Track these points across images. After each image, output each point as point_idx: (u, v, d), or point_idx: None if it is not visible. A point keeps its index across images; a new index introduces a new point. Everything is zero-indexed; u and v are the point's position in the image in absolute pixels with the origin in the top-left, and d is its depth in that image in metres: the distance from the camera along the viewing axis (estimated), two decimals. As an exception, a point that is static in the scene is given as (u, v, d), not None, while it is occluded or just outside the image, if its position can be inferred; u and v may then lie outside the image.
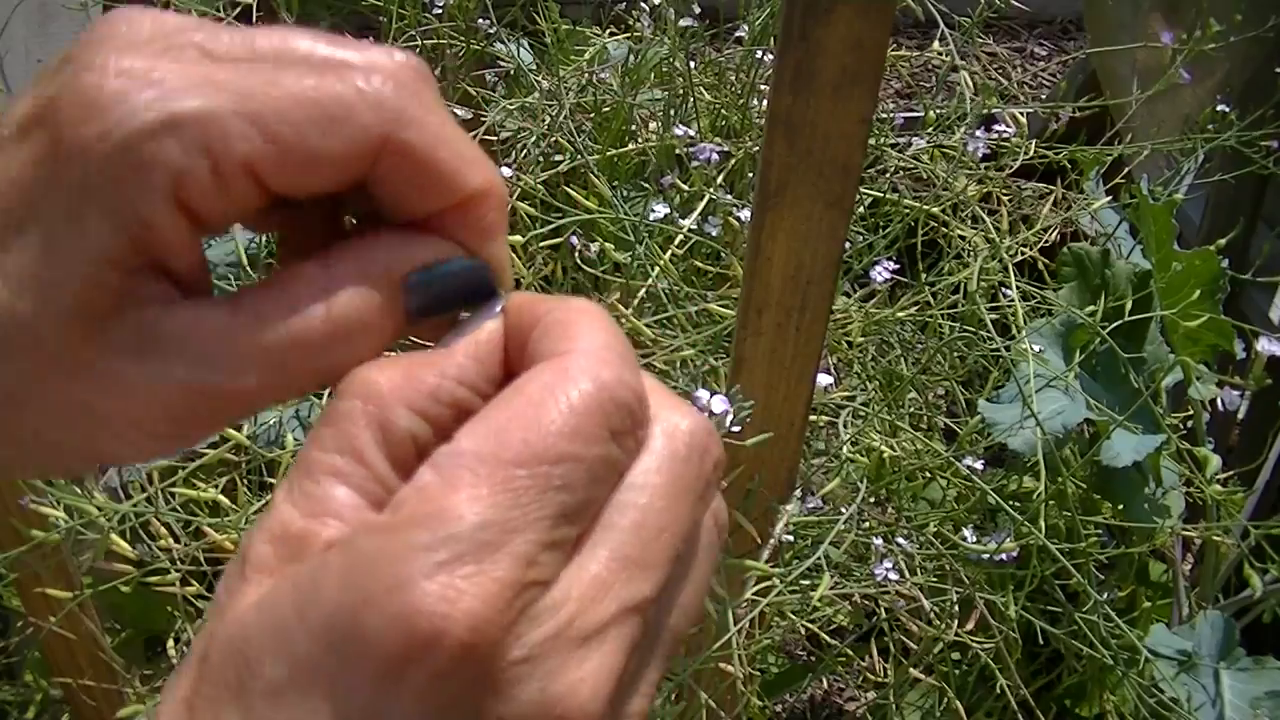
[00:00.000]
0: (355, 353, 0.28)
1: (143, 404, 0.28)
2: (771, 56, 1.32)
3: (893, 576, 1.02)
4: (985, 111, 1.26)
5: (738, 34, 1.46)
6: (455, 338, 0.28)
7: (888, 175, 1.31)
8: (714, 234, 1.16)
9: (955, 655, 1.22)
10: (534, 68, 1.43)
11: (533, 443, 0.25)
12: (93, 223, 0.26)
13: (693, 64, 1.40)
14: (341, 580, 0.24)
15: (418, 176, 0.28)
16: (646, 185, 1.27)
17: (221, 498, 0.98)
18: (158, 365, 0.27)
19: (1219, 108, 1.34)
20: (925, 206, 1.22)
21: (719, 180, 1.22)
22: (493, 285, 0.29)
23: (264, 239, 1.10)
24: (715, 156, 1.19)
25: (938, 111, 1.28)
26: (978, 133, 1.21)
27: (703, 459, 0.28)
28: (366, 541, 0.24)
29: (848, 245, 1.16)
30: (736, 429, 0.79)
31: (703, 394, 0.79)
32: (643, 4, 1.41)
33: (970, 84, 1.22)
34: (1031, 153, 1.27)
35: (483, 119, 1.26)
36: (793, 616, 1.06)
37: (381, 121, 0.27)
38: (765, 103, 0.91)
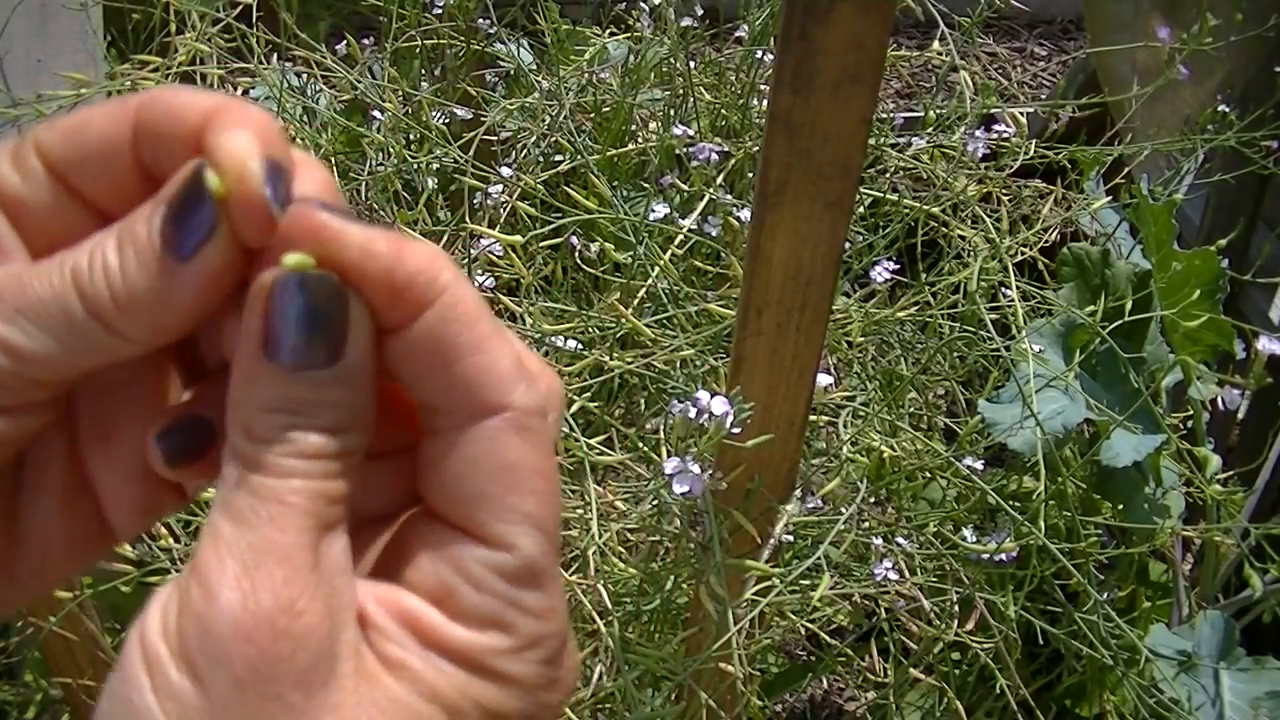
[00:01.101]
0: (122, 278, 0.28)
1: None
2: (771, 56, 1.32)
3: (893, 576, 1.02)
4: (985, 111, 1.26)
5: (738, 34, 1.45)
6: None
7: (888, 175, 1.31)
8: (714, 234, 1.16)
9: (955, 655, 1.22)
10: (534, 68, 1.43)
11: None
12: None
13: (693, 64, 1.40)
14: None
15: (161, 123, 0.30)
16: (646, 185, 1.26)
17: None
18: None
19: (1219, 108, 1.34)
20: (925, 206, 1.22)
21: (719, 180, 1.22)
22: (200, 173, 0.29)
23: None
24: (715, 156, 1.19)
25: (938, 111, 1.28)
26: (978, 133, 1.21)
27: None
28: None
29: (848, 245, 1.16)
30: (737, 430, 0.79)
31: (703, 395, 0.79)
32: (643, 4, 1.41)
33: (970, 84, 1.22)
34: (1031, 153, 1.27)
35: (483, 119, 1.26)
36: (793, 616, 1.06)
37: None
38: (765, 103, 0.91)
